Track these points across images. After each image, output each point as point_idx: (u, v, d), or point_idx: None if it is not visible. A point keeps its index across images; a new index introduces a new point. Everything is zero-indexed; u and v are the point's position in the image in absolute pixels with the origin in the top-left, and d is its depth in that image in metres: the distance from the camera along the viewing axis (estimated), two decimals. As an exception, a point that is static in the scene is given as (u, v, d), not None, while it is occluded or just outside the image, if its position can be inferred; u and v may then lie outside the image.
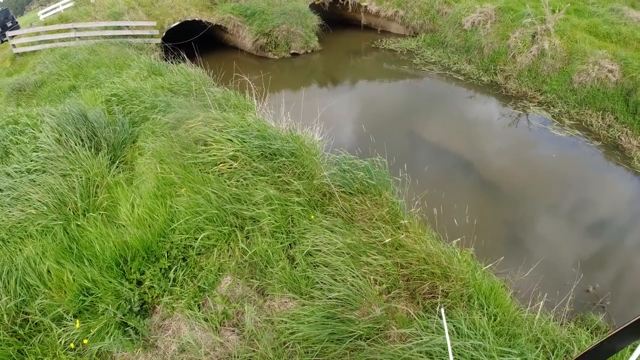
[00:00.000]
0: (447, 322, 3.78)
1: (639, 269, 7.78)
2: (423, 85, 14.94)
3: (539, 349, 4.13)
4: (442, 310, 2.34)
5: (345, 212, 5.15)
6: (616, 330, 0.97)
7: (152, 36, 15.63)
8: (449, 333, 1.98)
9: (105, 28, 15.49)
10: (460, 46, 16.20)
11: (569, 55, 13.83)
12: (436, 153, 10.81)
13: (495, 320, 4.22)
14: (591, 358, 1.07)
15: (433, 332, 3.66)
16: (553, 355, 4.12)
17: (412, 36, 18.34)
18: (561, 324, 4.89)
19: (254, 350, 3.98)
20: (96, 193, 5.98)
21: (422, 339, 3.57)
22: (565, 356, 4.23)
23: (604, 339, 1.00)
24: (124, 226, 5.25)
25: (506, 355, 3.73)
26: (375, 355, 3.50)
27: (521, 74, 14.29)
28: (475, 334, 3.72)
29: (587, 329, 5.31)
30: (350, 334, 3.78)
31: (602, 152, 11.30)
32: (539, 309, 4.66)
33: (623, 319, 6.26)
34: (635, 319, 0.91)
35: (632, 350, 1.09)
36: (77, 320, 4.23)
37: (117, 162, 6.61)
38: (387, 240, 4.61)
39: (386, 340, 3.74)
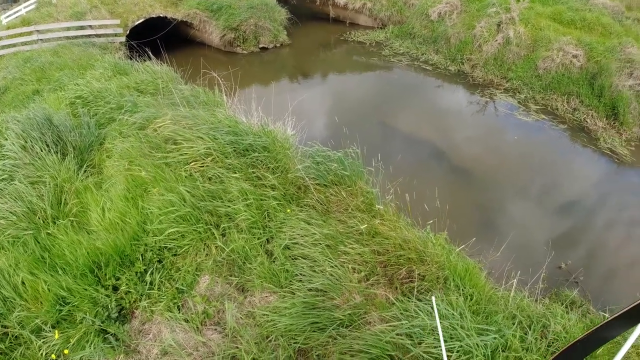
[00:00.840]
0: (426, 304, 3.87)
1: (609, 244, 8.17)
2: (393, 76, 15.12)
3: (516, 325, 4.27)
4: (433, 298, 2.38)
5: (321, 203, 5.18)
6: (608, 320, 0.98)
7: (115, 35, 15.17)
8: (435, 317, 2.02)
9: (68, 29, 14.96)
10: (428, 37, 16.46)
11: (533, 43, 14.27)
12: (408, 142, 10.99)
13: (471, 299, 4.35)
14: (583, 346, 1.08)
15: (412, 316, 3.73)
16: (530, 330, 4.26)
17: (381, 28, 18.50)
18: (536, 300, 5.06)
19: (237, 347, 3.97)
20: (65, 199, 5.82)
21: (401, 322, 3.64)
22: (542, 330, 4.38)
23: (596, 327, 1.01)
24: (95, 232, 5.12)
25: (484, 333, 3.85)
26: (357, 341, 3.55)
27: (487, 63, 14.66)
28: (453, 314, 3.82)
29: (562, 304, 5.51)
30: (332, 322, 3.82)
31: (568, 134, 11.75)
32: (513, 287, 4.82)
33: (596, 292, 6.57)
34: (626, 308, 0.93)
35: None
36: (56, 331, 4.15)
37: (85, 166, 6.44)
38: (362, 227, 4.66)
39: (367, 326, 3.80)
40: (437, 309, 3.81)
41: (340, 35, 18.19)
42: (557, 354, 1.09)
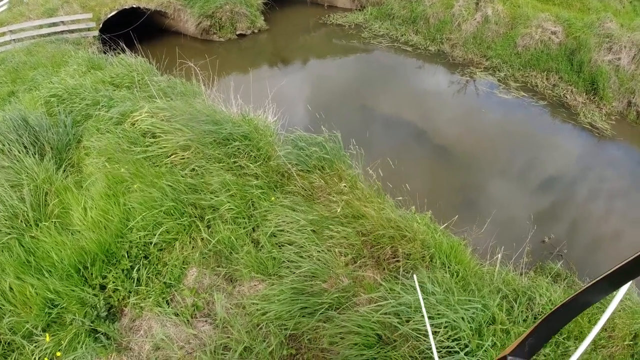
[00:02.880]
0: (413, 282, 3.93)
1: (591, 217, 8.37)
2: (373, 59, 15.05)
3: (502, 298, 4.37)
4: (415, 276, 2.41)
5: (305, 189, 5.19)
6: (591, 283, 0.98)
7: (88, 29, 14.75)
8: (421, 295, 2.05)
9: (41, 27, 14.54)
10: (407, 17, 16.36)
11: (512, 20, 14.30)
12: (390, 124, 11.00)
13: (457, 276, 4.43)
14: (566, 311, 1.07)
15: (399, 295, 3.79)
16: (516, 303, 4.36)
17: (359, 10, 18.30)
18: (521, 274, 5.17)
19: (228, 337, 4.00)
20: (46, 201, 5.73)
21: (388, 301, 3.70)
22: (528, 303, 4.49)
23: (579, 291, 1.01)
24: (79, 232, 5.06)
25: (470, 307, 3.94)
26: (346, 323, 3.60)
27: (467, 42, 14.66)
28: (439, 291, 3.89)
29: (548, 276, 5.63)
30: (321, 306, 3.86)
31: (548, 111, 11.89)
32: (498, 262, 4.91)
33: (581, 264, 6.74)
34: (610, 271, 0.93)
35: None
36: (47, 334, 4.13)
37: (64, 165, 6.32)
38: (338, 209, 4.68)
39: (356, 308, 3.85)
40: (424, 286, 3.88)
41: (319, 19, 17.96)
42: (540, 319, 1.11)
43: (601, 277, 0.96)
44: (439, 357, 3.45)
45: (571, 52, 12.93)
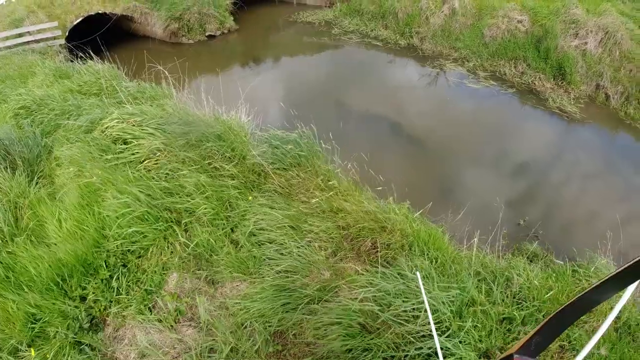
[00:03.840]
0: (392, 270, 4.00)
1: (563, 199, 8.61)
2: (344, 55, 15.13)
3: (480, 280, 4.49)
4: (418, 273, 2.45)
5: (282, 187, 5.21)
6: (598, 282, 0.98)
7: (54, 38, 14.38)
8: (423, 289, 2.08)
9: (7, 38, 14.11)
10: (376, 13, 16.49)
11: (479, 12, 14.59)
12: (364, 118, 11.10)
13: (436, 262, 4.53)
14: (573, 310, 1.08)
15: (378, 283, 3.86)
16: (494, 285, 4.48)
17: (328, 7, 18.35)
18: (499, 257, 5.30)
19: (213, 339, 3.99)
20: (21, 215, 5.63)
21: (367, 289, 3.76)
22: (505, 283, 4.62)
23: (586, 291, 1.01)
24: (55, 244, 4.99)
25: (449, 290, 4.04)
26: (328, 315, 3.65)
27: (435, 34, 14.88)
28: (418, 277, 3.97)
29: (526, 257, 5.78)
30: (303, 301, 3.89)
31: (517, 98, 12.19)
32: (474, 246, 5.04)
33: (557, 244, 6.94)
34: (617, 271, 0.93)
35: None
36: (32, 349, 4.09)
37: (36, 178, 6.20)
38: (314, 201, 4.72)
39: (338, 299, 3.90)
40: (403, 273, 3.96)
41: (289, 17, 17.92)
42: (547, 318, 1.13)
43: (608, 276, 0.97)
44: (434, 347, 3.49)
45: (538, 39, 13.26)
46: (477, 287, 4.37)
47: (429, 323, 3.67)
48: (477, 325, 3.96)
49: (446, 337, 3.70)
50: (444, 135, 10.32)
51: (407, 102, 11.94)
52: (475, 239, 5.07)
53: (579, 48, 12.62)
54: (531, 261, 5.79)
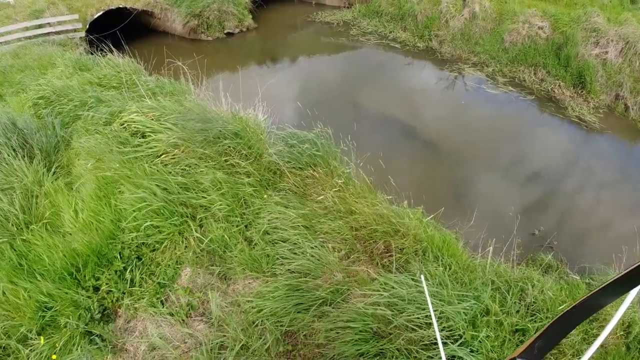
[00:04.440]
0: (406, 276, 3.96)
1: (579, 209, 8.46)
2: (362, 56, 15.07)
3: (494, 290, 4.42)
4: (422, 277, 2.42)
5: (297, 186, 5.19)
6: (601, 286, 0.98)
7: (75, 30, 14.59)
8: (427, 293, 2.07)
9: (27, 29, 14.34)
10: (395, 14, 16.41)
11: (499, 16, 14.42)
12: (380, 120, 11.04)
13: (450, 269, 4.48)
14: (576, 313, 1.08)
15: (392, 288, 3.82)
16: (509, 294, 4.41)
17: (347, 7, 18.32)
18: (513, 266, 5.23)
19: (224, 335, 3.99)
20: (37, 203, 5.68)
21: (380, 294, 3.73)
22: (520, 294, 4.55)
23: (589, 294, 1.01)
24: (70, 234, 5.02)
25: (463, 300, 3.98)
26: (341, 317, 3.62)
27: (455, 38, 14.76)
28: (433, 283, 3.93)
29: (539, 268, 5.69)
30: (315, 302, 3.87)
31: (536, 105, 12.02)
32: (489, 254, 4.97)
33: (571, 255, 6.82)
34: (620, 274, 0.93)
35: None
36: (42, 337, 4.11)
37: (54, 167, 6.26)
38: (330, 204, 4.69)
39: (350, 302, 3.87)
40: (416, 280, 3.92)
41: (307, 17, 17.93)
42: (550, 322, 1.11)
43: (611, 280, 0.96)
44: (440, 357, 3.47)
45: (558, 46, 13.07)
46: (491, 296, 4.30)
47: (442, 331, 3.63)
48: (490, 335, 3.90)
49: (458, 345, 3.65)
50: (461, 140, 10.22)
51: (424, 105, 11.86)
52: (491, 248, 5.00)
53: (599, 57, 12.41)
54: (545, 272, 5.70)
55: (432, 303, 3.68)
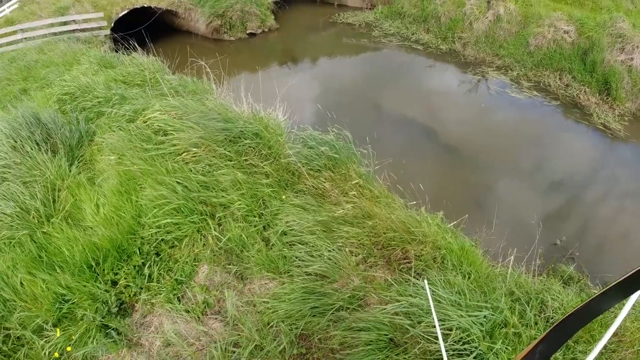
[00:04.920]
0: (424, 285, 3.89)
1: (603, 219, 8.23)
2: (383, 57, 14.98)
3: (514, 301, 4.31)
4: (425, 281, 2.40)
5: (316, 188, 5.17)
6: (602, 291, 0.98)
7: (100, 28, 14.90)
8: (432, 299, 2.05)
9: (52, 25, 14.71)
10: (418, 16, 16.26)
11: (524, 19, 14.15)
12: (401, 123, 10.94)
13: (469, 278, 4.39)
14: (577, 319, 1.08)
15: (410, 296, 3.76)
16: (528, 306, 4.30)
17: (369, 9, 18.24)
18: (533, 277, 5.10)
19: (238, 334, 4.00)
20: (59, 197, 5.77)
21: (400, 302, 3.67)
22: (540, 306, 4.43)
23: (590, 299, 1.01)
24: (91, 228, 5.09)
25: (482, 309, 3.89)
26: (357, 323, 3.58)
27: (478, 40, 14.54)
28: (451, 292, 3.85)
29: (560, 279, 5.56)
30: (332, 306, 3.84)
31: (561, 111, 11.74)
32: (510, 264, 4.85)
33: (592, 267, 6.65)
34: (620, 279, 0.93)
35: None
36: (58, 329, 4.13)
37: (76, 162, 6.36)
38: (348, 209, 4.66)
39: (367, 308, 3.83)
40: (434, 289, 3.85)
41: (329, 18, 17.92)
42: (551, 327, 1.09)
43: (611, 285, 0.96)
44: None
45: (584, 51, 12.75)
46: (510, 307, 4.20)
47: (459, 341, 3.55)
48: (507, 348, 3.80)
49: (474, 357, 3.57)
50: (483, 144, 10.05)
51: (446, 108, 11.71)
52: (512, 257, 4.88)
53: (625, 63, 12.09)
54: (566, 284, 5.55)
55: (436, 309, 3.62)
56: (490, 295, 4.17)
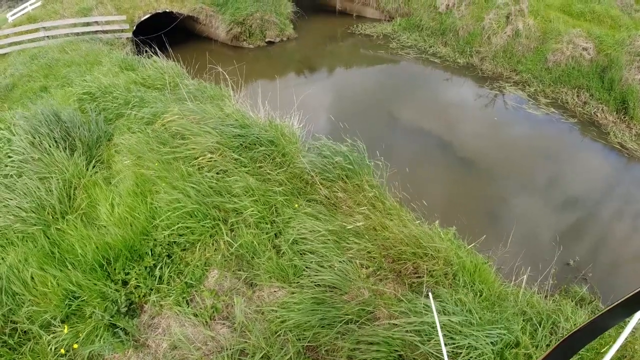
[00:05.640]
0: (435, 300, 3.84)
1: (617, 240, 8.07)
2: (400, 69, 14.99)
3: (526, 321, 4.24)
4: (430, 293, 2.38)
5: (328, 198, 5.17)
6: (607, 309, 0.98)
7: (122, 31, 15.19)
8: (437, 313, 2.03)
9: (74, 25, 15.01)
10: (436, 29, 16.27)
11: (543, 35, 14.06)
12: (416, 136, 10.90)
13: (481, 296, 4.32)
14: (582, 336, 1.08)
15: (421, 312, 3.72)
16: (540, 327, 4.22)
17: (388, 21, 18.33)
18: (546, 297, 5.02)
19: (246, 342, 3.98)
20: (74, 195, 5.84)
21: (410, 317, 3.63)
22: (552, 327, 4.35)
23: (595, 317, 1.02)
24: (104, 227, 5.13)
25: (493, 329, 3.83)
26: (367, 337, 3.55)
27: (496, 55, 14.47)
28: (462, 310, 3.79)
29: (572, 300, 5.46)
30: (340, 318, 3.81)
31: (578, 128, 11.59)
32: (523, 283, 4.78)
33: (605, 288, 6.51)
34: (627, 296, 0.93)
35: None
36: (65, 325, 4.14)
37: (94, 161, 6.44)
38: (360, 222, 4.64)
39: (376, 322, 3.79)
40: (445, 306, 3.80)
41: (347, 28, 18.04)
42: (555, 344, 1.09)
43: (617, 303, 0.97)
44: None
45: (602, 69, 12.59)
46: (522, 327, 4.12)
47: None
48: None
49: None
50: (498, 160, 9.95)
51: (462, 122, 11.64)
52: (525, 276, 4.80)
53: (643, 82, 11.89)
54: (579, 305, 5.43)
55: (447, 327, 3.57)
56: (502, 314, 4.11)
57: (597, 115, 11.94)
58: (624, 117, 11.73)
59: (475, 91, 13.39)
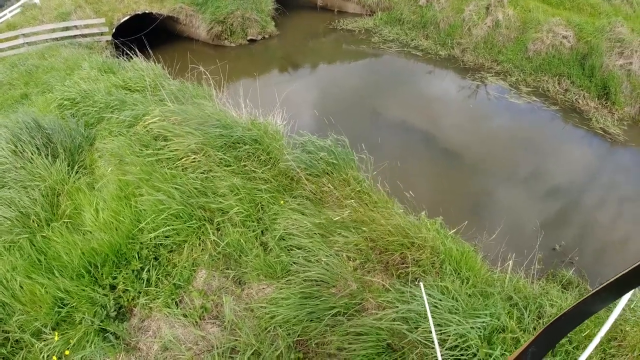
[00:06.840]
0: (421, 290, 3.89)
1: (602, 224, 8.24)
2: (383, 63, 15.07)
3: (512, 306, 4.31)
4: (421, 284, 2.41)
5: (314, 194, 5.19)
6: (592, 292, 0.98)
7: (101, 34, 14.99)
8: (427, 303, 2.06)
9: (53, 30, 14.79)
10: (417, 22, 16.37)
11: (523, 25, 14.24)
12: (400, 129, 10.98)
13: (468, 283, 4.39)
14: (568, 320, 1.08)
15: (408, 302, 3.76)
16: (526, 311, 4.30)
17: (369, 15, 18.37)
18: (532, 282, 5.10)
19: (236, 339, 4.00)
20: (58, 201, 5.79)
21: (397, 307, 3.67)
22: (537, 310, 4.42)
23: (580, 300, 1.02)
24: (90, 232, 5.10)
25: (480, 315, 3.89)
26: (355, 328, 3.58)
27: (477, 46, 14.62)
28: (448, 299, 3.85)
29: (559, 284, 5.55)
30: (329, 311, 3.84)
31: (560, 116, 11.79)
32: (509, 269, 4.86)
33: (592, 272, 6.64)
34: (612, 279, 0.93)
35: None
36: (56, 333, 4.15)
37: (76, 167, 6.39)
38: (345, 214, 4.67)
39: (364, 313, 3.83)
40: (432, 294, 3.85)
41: (329, 24, 18.04)
42: (542, 328, 1.10)
43: (602, 286, 0.97)
44: None
45: (583, 56, 12.82)
46: (508, 312, 4.20)
47: (456, 347, 3.55)
48: (505, 353, 3.80)
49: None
50: (481, 150, 10.08)
51: (445, 114, 11.76)
52: (510, 262, 4.88)
53: (624, 68, 12.16)
54: (565, 289, 5.54)
55: (434, 314, 3.62)
56: (489, 300, 4.17)
57: (578, 102, 12.15)
58: (606, 103, 11.96)
59: (458, 82, 13.53)
